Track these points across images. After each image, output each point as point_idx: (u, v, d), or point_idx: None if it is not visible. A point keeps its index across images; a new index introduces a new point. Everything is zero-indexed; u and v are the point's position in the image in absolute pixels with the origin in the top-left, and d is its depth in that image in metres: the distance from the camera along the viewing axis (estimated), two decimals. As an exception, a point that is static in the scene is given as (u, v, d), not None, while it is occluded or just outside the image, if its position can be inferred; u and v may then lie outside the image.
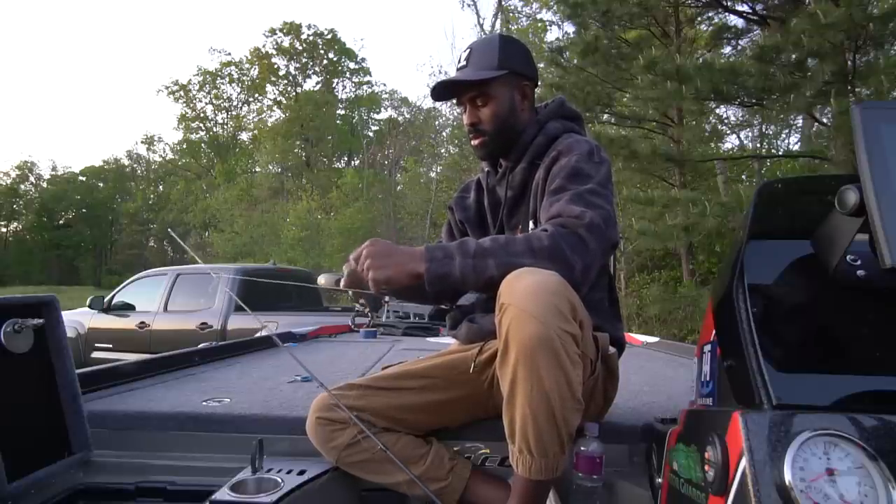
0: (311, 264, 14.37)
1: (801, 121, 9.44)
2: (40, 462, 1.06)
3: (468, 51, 1.20)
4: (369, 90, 30.20)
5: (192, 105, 31.80)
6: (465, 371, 1.11)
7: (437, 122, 20.83)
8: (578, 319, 0.88)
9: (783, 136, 12.32)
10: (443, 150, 19.90)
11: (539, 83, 1.28)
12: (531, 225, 1.16)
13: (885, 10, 4.32)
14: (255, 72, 30.23)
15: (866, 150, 0.64)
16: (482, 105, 1.18)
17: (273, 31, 28.93)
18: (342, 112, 29.58)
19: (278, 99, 30.08)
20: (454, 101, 1.24)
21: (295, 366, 2.13)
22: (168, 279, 5.18)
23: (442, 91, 1.22)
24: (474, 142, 1.22)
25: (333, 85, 30.05)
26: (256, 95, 30.98)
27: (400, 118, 27.23)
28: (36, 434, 1.09)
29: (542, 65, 7.47)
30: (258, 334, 3.81)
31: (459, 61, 1.21)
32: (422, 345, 2.84)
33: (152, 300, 5.09)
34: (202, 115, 32.12)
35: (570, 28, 8.45)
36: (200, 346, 2.30)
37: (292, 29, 28.71)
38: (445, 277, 0.95)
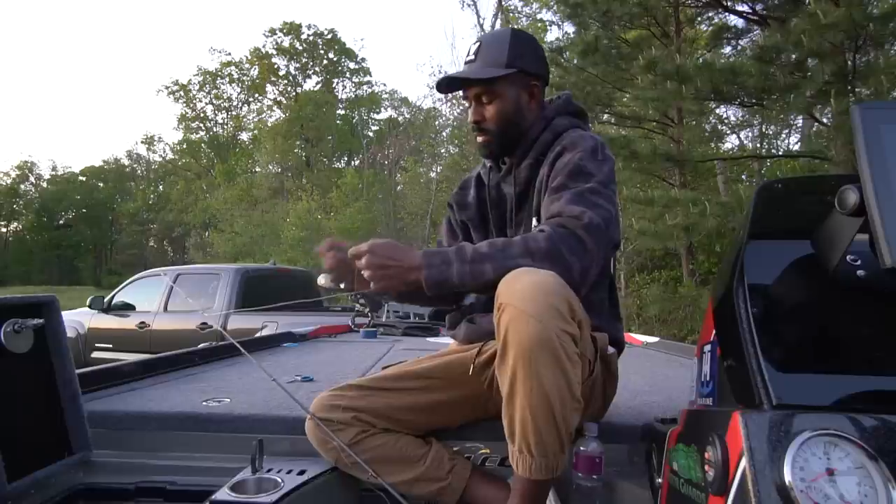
0: (311, 264, 14.36)
1: (801, 121, 9.46)
2: (40, 462, 1.06)
3: (478, 44, 1.17)
4: (369, 90, 30.25)
5: (192, 105, 31.86)
6: (465, 372, 1.11)
7: (437, 122, 20.85)
8: (577, 319, 0.88)
9: (783, 136, 12.35)
10: (443, 150, 19.92)
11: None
12: (534, 222, 1.15)
13: (885, 10, 4.32)
14: (255, 72, 30.26)
15: (866, 150, 0.64)
16: (487, 103, 1.16)
17: (273, 32, 28.97)
18: (342, 112, 29.60)
19: (278, 99, 30.13)
20: (458, 96, 1.23)
21: (295, 366, 2.13)
22: (168, 279, 5.18)
23: (447, 84, 1.20)
24: (478, 139, 1.20)
25: (333, 85, 30.08)
26: (256, 95, 31.03)
27: (400, 118, 27.24)
28: (36, 434, 1.09)
29: (542, 65, 7.44)
30: (260, 333, 3.82)
31: (468, 54, 1.18)
32: (422, 345, 2.84)
33: (152, 300, 5.09)
34: (202, 115, 32.19)
35: (570, 28, 8.47)
36: (200, 346, 2.30)
37: (292, 29, 28.72)
38: (444, 283, 0.95)
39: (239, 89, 31.48)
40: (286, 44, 29.08)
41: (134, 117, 73.29)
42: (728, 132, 11.20)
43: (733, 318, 0.73)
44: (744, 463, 0.60)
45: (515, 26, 15.84)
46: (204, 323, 4.71)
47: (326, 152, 28.14)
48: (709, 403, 0.83)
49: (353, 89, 30.46)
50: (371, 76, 31.85)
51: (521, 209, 1.22)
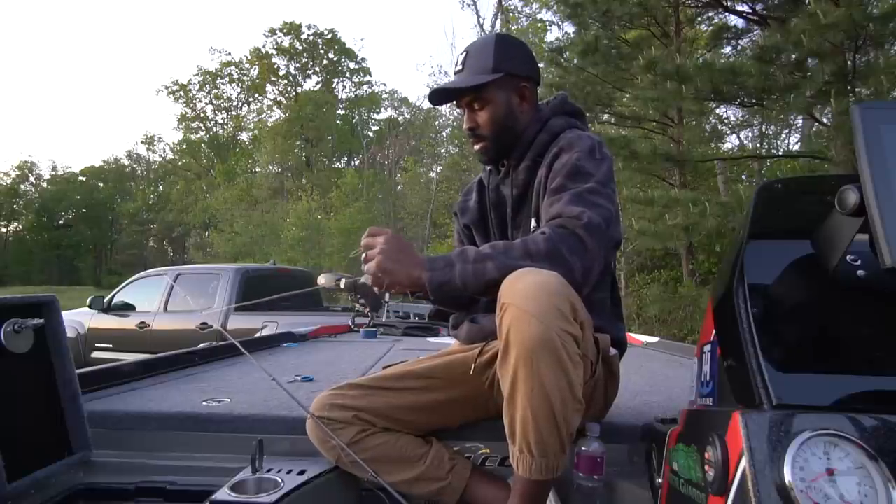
0: (311, 264, 14.36)
1: (801, 121, 9.47)
2: (40, 462, 1.06)
3: (464, 54, 1.19)
4: (369, 90, 30.24)
5: (192, 105, 31.82)
6: (466, 372, 1.11)
7: (437, 122, 20.89)
8: (579, 320, 0.88)
9: (783, 136, 12.36)
10: (443, 150, 19.96)
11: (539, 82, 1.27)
12: (533, 223, 1.15)
13: (885, 10, 4.32)
14: (255, 72, 30.23)
15: (866, 150, 0.64)
16: (479, 109, 1.17)
17: (273, 32, 28.94)
18: (342, 112, 29.58)
19: (278, 99, 30.11)
20: (454, 102, 1.23)
21: (295, 366, 2.13)
22: (168, 279, 5.18)
23: (439, 96, 1.22)
24: (475, 146, 1.21)
25: (333, 85, 30.06)
26: (256, 95, 30.99)
27: (400, 118, 27.27)
28: (36, 434, 1.09)
29: (542, 65, 7.47)
30: (260, 333, 3.82)
31: (456, 64, 1.20)
32: (422, 345, 2.84)
33: (152, 300, 5.09)
34: (202, 115, 32.15)
35: (570, 28, 8.49)
36: (200, 346, 2.30)
37: (292, 29, 28.70)
38: (446, 284, 0.95)
39: (239, 89, 31.49)
40: (286, 44, 29.06)
41: (134, 117, 73.19)
42: (728, 132, 11.22)
43: (733, 318, 0.73)
44: (744, 463, 0.60)
45: (515, 26, 15.88)
46: (204, 323, 4.71)
47: (326, 152, 28.12)
48: (709, 403, 0.83)
49: (353, 89, 30.48)
50: (371, 76, 31.89)
51: (519, 211, 1.22)
